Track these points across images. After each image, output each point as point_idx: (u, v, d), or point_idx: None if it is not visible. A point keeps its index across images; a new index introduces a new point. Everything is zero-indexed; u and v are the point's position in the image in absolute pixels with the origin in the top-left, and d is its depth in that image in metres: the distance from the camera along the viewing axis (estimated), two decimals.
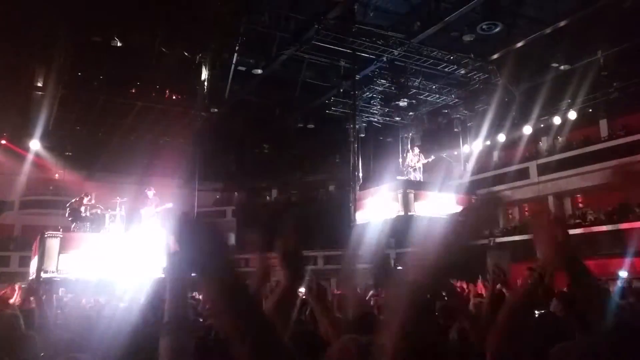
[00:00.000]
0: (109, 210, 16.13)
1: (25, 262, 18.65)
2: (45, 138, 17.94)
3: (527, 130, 17.74)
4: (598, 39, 13.97)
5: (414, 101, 15.89)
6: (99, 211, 15.99)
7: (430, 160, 16.01)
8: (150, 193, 15.76)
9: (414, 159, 16.05)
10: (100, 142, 19.89)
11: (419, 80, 15.46)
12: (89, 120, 18.18)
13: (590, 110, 17.31)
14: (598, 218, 18.09)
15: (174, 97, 15.89)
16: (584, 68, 15.04)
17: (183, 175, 20.74)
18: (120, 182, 20.32)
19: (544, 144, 20.31)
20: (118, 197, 16.23)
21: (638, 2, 12.28)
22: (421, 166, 16.01)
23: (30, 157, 19.49)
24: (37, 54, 14.11)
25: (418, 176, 15.81)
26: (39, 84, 15.29)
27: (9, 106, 16.38)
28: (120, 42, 13.46)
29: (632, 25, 13.12)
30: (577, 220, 18.88)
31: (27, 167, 20.36)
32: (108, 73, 14.91)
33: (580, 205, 20.16)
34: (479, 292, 6.97)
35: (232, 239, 29.45)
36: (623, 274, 14.58)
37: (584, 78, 15.40)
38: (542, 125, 17.96)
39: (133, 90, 15.46)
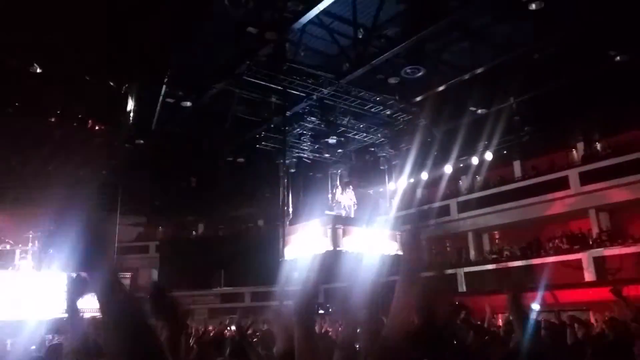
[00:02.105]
0: (20, 245, 15.11)
1: None
2: None
3: (448, 169, 18.67)
4: (511, 86, 15.13)
5: (342, 139, 16.30)
6: (7, 246, 14.95)
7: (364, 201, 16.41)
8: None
9: (345, 196, 16.36)
10: (12, 171, 18.61)
11: (347, 119, 15.93)
12: (1, 149, 17.04)
13: (505, 152, 18.54)
14: (513, 253, 19.17)
15: (96, 127, 15.30)
16: (498, 112, 16.17)
17: (104, 208, 19.80)
18: (35, 214, 19.01)
19: (463, 182, 21.45)
20: (31, 232, 15.27)
21: (547, 54, 13.49)
22: (353, 204, 16.33)
23: None
24: None
25: (349, 212, 16.10)
26: None
27: None
28: (40, 69, 12.88)
29: (541, 75, 14.36)
30: (494, 256, 19.90)
31: None
32: (25, 100, 14.16)
33: (497, 241, 21.32)
34: None
35: (154, 275, 28.27)
36: (535, 306, 15.43)
37: (499, 121, 16.54)
38: (461, 165, 18.97)
39: (52, 119, 14.74)
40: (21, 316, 12.78)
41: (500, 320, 13.63)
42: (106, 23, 11.55)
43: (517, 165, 20.31)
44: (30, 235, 15.19)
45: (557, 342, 4.50)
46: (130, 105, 14.50)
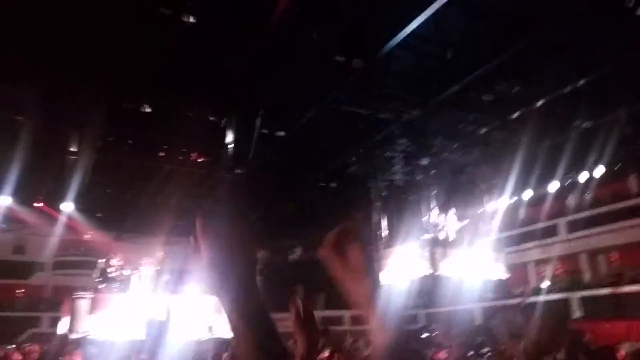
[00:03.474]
0: (136, 270, 16.37)
1: (55, 322, 18.83)
2: (78, 200, 18.55)
3: (553, 187, 17.48)
4: (619, 96, 13.94)
5: (435, 159, 15.92)
6: (126, 272, 16.24)
7: (463, 223, 15.87)
8: (159, 254, 16.11)
9: (445, 219, 15.94)
10: (128, 204, 20.45)
11: (439, 139, 15.55)
12: (118, 183, 18.80)
13: (618, 166, 17.02)
14: (638, 276, 17.34)
15: (199, 160, 16.36)
16: (607, 125, 14.93)
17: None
18: (148, 243, 20.65)
19: (571, 200, 19.92)
20: (145, 258, 16.52)
21: None
22: (454, 227, 15.85)
23: (62, 219, 20.09)
24: (72, 119, 14.84)
25: (449, 235, 15.64)
26: (73, 149, 15.99)
27: (45, 170, 17.13)
28: (149, 108, 14.11)
29: None
30: (612, 279, 18.15)
31: (59, 228, 20.95)
32: (137, 138, 15.54)
33: (614, 262, 19.45)
34: None
35: None
36: None
37: (609, 134, 15.26)
38: (568, 182, 17.69)
39: (161, 154, 16.01)
40: (139, 336, 13.80)
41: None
42: (204, 63, 12.44)
43: (632, 180, 18.50)
44: (144, 262, 16.40)
45: None
46: (229, 137, 15.36)
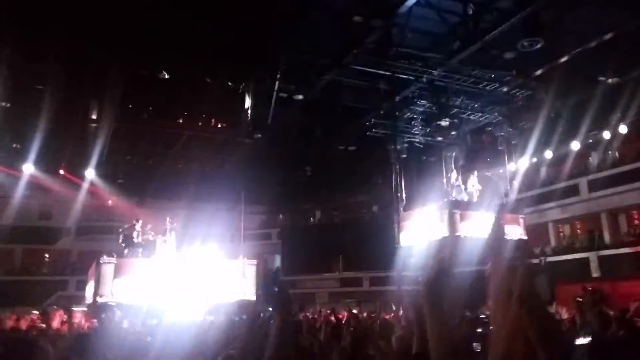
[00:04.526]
0: (160, 236, 16.63)
1: (81, 286, 19.38)
2: (99, 167, 18.84)
3: (575, 146, 17.23)
4: None
5: (455, 120, 15.71)
6: (150, 237, 16.51)
7: (480, 188, 15.80)
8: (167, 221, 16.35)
9: (467, 181, 15.86)
10: (150, 170, 20.71)
11: (460, 100, 15.31)
12: (139, 150, 19.01)
13: None
14: None
15: (218, 126, 16.40)
16: (633, 81, 14.54)
17: (229, 199, 21.19)
18: (170, 208, 20.96)
19: (593, 159, 19.63)
20: (168, 219, 16.70)
21: None
22: (475, 189, 15.78)
23: (85, 185, 20.45)
24: (91, 88, 14.92)
25: (469, 196, 15.60)
26: (94, 117, 16.12)
27: (66, 138, 17.37)
28: (167, 75, 14.10)
29: None
30: (632, 238, 18.05)
31: (82, 195, 21.35)
32: (156, 104, 15.59)
33: (637, 222, 19.28)
34: None
35: (277, 260, 29.74)
36: None
37: (635, 91, 14.88)
38: (590, 141, 17.42)
39: (180, 120, 16.07)
40: (167, 299, 14.19)
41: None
42: (220, 28, 12.31)
43: None
44: (167, 226, 16.64)
45: None
46: (248, 102, 15.32)
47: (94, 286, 15.19)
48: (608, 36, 12.28)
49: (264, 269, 19.80)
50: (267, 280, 1.90)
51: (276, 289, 1.86)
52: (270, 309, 1.96)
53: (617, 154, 19.04)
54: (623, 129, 16.34)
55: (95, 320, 11.85)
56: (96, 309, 13.79)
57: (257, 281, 15.71)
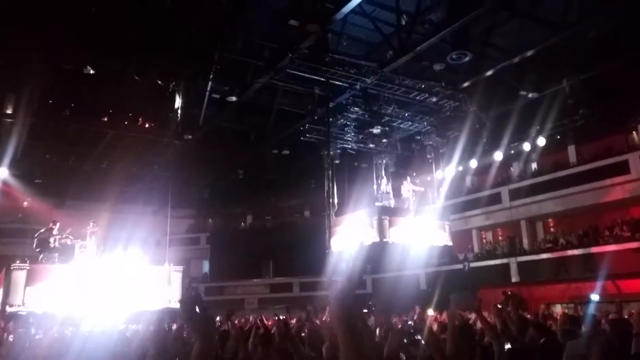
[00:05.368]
0: (79, 240, 15.73)
1: None
2: (14, 165, 17.52)
3: (498, 156, 18.10)
4: (564, 67, 14.44)
5: (387, 128, 16.03)
6: (68, 241, 15.57)
7: (414, 190, 16.13)
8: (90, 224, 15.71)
9: (401, 187, 16.18)
10: (70, 170, 19.50)
11: (391, 108, 15.64)
12: (59, 148, 17.87)
13: (559, 136, 17.79)
14: (570, 242, 18.40)
15: (146, 125, 15.75)
16: (551, 96, 15.50)
17: (156, 202, 20.43)
18: (92, 210, 19.87)
19: (515, 169, 20.74)
20: (91, 223, 15.85)
21: (601, 33, 12.78)
22: (404, 194, 16.11)
23: None
24: (7, 80, 13.86)
25: (399, 203, 15.93)
26: (8, 111, 14.98)
27: None
28: (92, 70, 13.34)
29: (596, 55, 13.62)
30: (549, 245, 19.19)
31: None
32: (79, 101, 14.74)
33: (552, 229, 20.53)
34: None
35: (205, 266, 29.02)
36: (594, 297, 14.83)
37: (552, 105, 15.87)
38: (512, 152, 18.36)
39: (105, 119, 15.29)
40: (85, 307, 13.39)
41: (555, 313, 13.16)
42: (151, 23, 11.83)
43: (572, 150, 19.38)
44: (89, 230, 15.78)
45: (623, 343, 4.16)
46: (178, 102, 14.83)
47: (3, 294, 14.13)
48: (530, 52, 13.00)
49: (188, 284, 19.21)
50: (187, 301, 1.74)
51: (197, 310, 1.72)
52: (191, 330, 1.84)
53: (535, 165, 20.22)
54: (541, 141, 17.33)
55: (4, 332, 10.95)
56: (5, 319, 12.78)
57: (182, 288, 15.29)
